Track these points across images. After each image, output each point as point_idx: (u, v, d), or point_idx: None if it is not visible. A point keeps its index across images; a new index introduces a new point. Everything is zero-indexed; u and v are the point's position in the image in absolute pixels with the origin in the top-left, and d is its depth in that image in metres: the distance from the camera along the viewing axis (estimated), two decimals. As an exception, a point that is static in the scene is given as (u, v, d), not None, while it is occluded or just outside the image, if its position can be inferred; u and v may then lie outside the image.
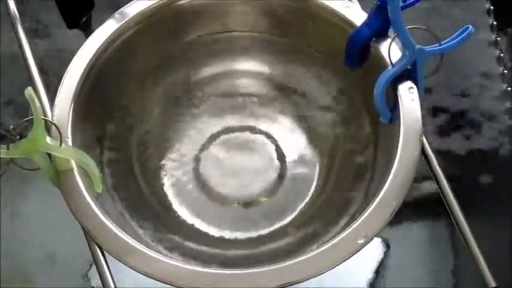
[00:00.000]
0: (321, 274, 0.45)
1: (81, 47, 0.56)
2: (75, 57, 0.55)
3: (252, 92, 0.63)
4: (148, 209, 0.57)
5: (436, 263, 0.64)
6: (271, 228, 0.57)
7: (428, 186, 0.66)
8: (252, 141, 0.61)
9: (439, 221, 0.66)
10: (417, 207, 0.67)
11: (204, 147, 0.61)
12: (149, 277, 0.46)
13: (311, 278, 0.45)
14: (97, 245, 0.47)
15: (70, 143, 0.51)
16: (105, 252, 0.47)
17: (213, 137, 0.62)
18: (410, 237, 0.66)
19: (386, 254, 0.64)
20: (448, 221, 0.61)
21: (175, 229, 0.56)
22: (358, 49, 0.54)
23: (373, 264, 0.63)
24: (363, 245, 0.46)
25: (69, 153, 0.50)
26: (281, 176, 0.60)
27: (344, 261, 0.46)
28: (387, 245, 0.64)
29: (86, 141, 0.54)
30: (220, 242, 0.56)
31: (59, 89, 0.53)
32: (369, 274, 0.62)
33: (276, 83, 0.63)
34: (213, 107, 0.63)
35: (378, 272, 0.63)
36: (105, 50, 0.56)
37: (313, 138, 0.61)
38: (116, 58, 0.57)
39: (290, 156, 0.61)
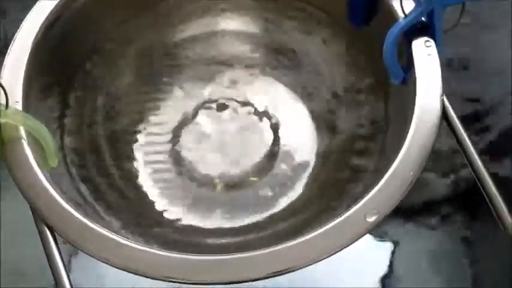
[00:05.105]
0: (323, 259, 0.38)
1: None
2: (34, 7, 0.49)
3: (242, 56, 0.57)
4: (116, 190, 0.50)
5: (448, 265, 0.63)
6: (262, 214, 0.50)
7: (440, 184, 0.65)
8: (241, 114, 0.55)
9: (451, 221, 0.65)
10: (429, 207, 0.65)
11: (184, 121, 0.55)
12: (111, 265, 0.39)
13: (312, 263, 0.38)
14: (47, 226, 0.40)
15: (20, 107, 0.45)
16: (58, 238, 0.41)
17: (195, 110, 0.55)
18: (420, 237, 0.64)
19: (395, 255, 0.62)
20: (461, 220, 0.64)
21: (147, 215, 0.50)
22: (364, 1, 0.48)
23: (382, 267, 0.61)
24: (373, 224, 0.39)
25: (17, 118, 0.43)
26: (274, 153, 0.53)
27: (351, 243, 0.39)
28: (397, 246, 0.63)
29: (42, 108, 0.48)
30: (200, 230, 0.49)
31: (11, 45, 0.47)
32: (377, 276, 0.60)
33: (269, 46, 0.57)
34: (196, 73, 0.56)
35: (387, 274, 0.61)
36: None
37: (312, 108, 0.55)
38: (85, 9, 0.51)
39: (285, 131, 0.54)
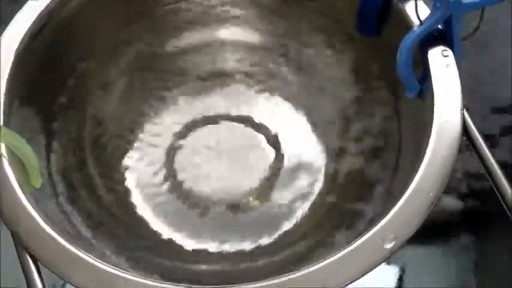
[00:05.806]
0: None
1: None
2: (17, 16, 0.45)
3: (242, 69, 0.54)
4: (105, 214, 0.47)
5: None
6: (265, 240, 0.47)
7: (448, 203, 0.62)
8: (241, 132, 0.52)
9: (459, 242, 0.62)
10: (436, 226, 0.62)
11: (179, 139, 0.51)
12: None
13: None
14: (29, 254, 0.36)
15: (0, 122, 0.41)
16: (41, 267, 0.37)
17: (191, 126, 0.52)
18: (427, 260, 0.61)
19: (402, 279, 0.59)
20: (470, 241, 0.61)
21: (141, 240, 0.46)
22: (376, 9, 0.46)
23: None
24: (391, 251, 0.35)
25: (-3, 134, 0.40)
26: (277, 173, 0.50)
27: (366, 273, 0.35)
28: (403, 269, 0.60)
29: (26, 123, 0.45)
30: (200, 256, 0.46)
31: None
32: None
33: (271, 56, 0.54)
34: (191, 87, 0.53)
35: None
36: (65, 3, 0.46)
37: (318, 124, 0.51)
38: (71, 19, 0.47)
39: (289, 149, 0.51)
